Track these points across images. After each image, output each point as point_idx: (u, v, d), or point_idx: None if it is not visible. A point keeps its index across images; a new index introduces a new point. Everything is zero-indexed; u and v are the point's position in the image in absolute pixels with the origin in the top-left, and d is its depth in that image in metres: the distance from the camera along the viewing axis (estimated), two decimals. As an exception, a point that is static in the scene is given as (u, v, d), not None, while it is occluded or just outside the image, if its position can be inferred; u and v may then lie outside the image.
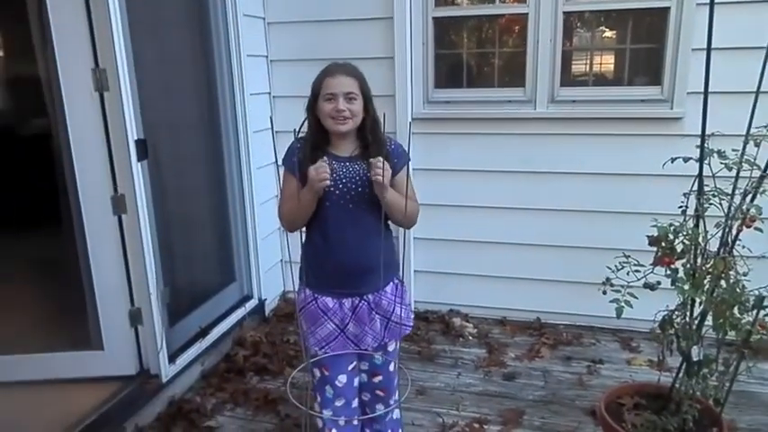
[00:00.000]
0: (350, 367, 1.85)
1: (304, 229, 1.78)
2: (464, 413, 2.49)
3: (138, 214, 2.32)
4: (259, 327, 3.28)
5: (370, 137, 1.71)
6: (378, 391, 1.93)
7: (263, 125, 3.22)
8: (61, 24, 2.15)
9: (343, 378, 1.83)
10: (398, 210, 1.69)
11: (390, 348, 1.89)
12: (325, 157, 1.66)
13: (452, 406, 2.55)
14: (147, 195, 2.38)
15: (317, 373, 1.84)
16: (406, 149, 1.76)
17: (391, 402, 1.94)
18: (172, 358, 2.56)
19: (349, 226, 1.71)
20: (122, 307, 2.41)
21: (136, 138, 2.28)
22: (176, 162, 2.76)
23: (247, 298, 3.29)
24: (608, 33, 3.20)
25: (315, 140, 1.72)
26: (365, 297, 1.77)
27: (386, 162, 1.61)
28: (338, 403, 1.84)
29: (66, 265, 2.46)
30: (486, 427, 2.39)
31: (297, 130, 1.73)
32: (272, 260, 3.49)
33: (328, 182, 1.61)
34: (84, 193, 2.29)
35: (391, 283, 1.81)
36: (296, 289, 1.88)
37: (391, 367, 1.91)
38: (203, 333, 2.83)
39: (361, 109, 1.69)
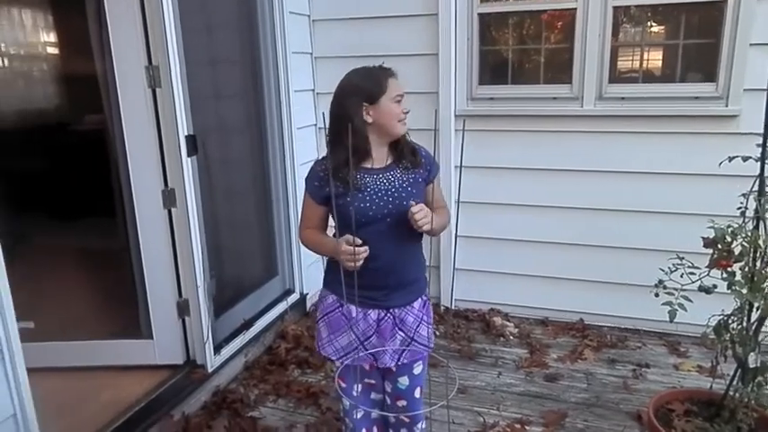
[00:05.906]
0: (365, 380, 1.80)
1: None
2: (505, 413, 2.47)
3: (188, 209, 2.39)
4: (300, 320, 3.32)
5: (402, 141, 1.68)
6: (402, 417, 1.84)
7: (306, 122, 3.25)
8: (117, 24, 2.23)
9: (358, 388, 1.79)
10: (441, 226, 1.71)
11: (416, 372, 1.78)
12: (363, 245, 1.53)
13: (493, 405, 2.53)
14: (196, 190, 2.44)
15: (335, 385, 1.81)
16: (460, 148, 1.74)
17: (415, 430, 1.84)
18: (217, 349, 2.63)
19: (385, 240, 1.61)
20: (171, 298, 2.49)
21: (186, 133, 2.34)
22: (223, 159, 2.82)
23: (289, 292, 3.34)
24: (657, 28, 3.10)
25: (353, 152, 1.45)
26: (391, 311, 1.69)
27: (423, 207, 1.54)
28: (357, 415, 1.80)
29: (119, 255, 2.56)
30: (527, 427, 2.36)
31: (326, 156, 1.62)
32: (313, 255, 3.51)
33: (352, 265, 1.50)
34: (137, 186, 2.38)
35: (419, 300, 1.74)
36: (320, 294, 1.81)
37: (416, 393, 1.80)
38: (247, 325, 2.89)
39: None
